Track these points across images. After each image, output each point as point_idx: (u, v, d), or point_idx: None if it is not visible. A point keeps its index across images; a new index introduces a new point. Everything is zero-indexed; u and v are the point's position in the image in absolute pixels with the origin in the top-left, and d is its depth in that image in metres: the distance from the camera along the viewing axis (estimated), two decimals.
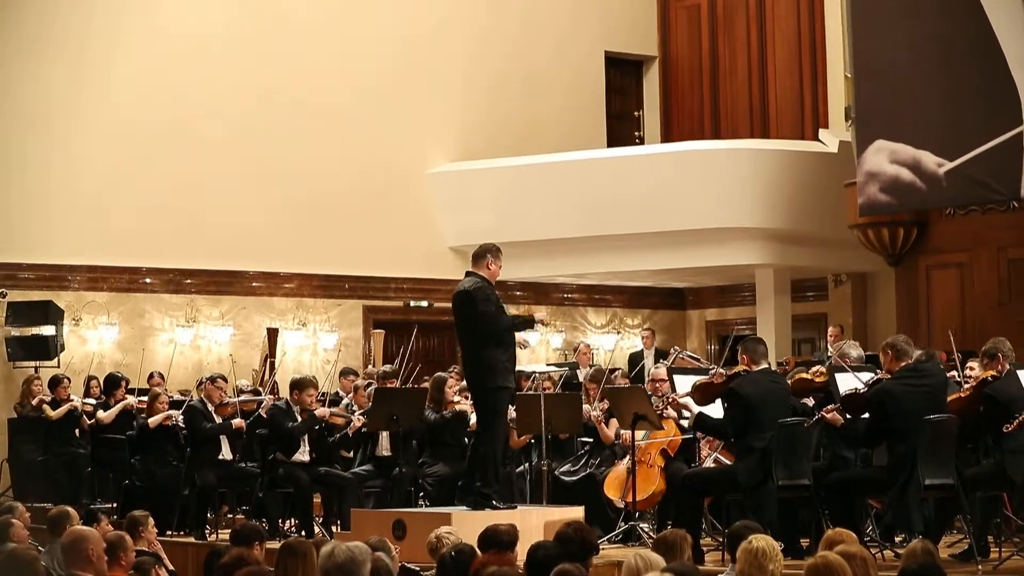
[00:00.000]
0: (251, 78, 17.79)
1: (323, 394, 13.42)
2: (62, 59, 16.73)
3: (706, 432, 10.58)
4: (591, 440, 11.91)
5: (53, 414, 14.76)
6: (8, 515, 8.54)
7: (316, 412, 12.17)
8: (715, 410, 9.99)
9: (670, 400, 10.49)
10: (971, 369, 10.40)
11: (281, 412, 12.17)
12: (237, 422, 12.44)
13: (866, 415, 9.28)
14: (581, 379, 15.09)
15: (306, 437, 12.20)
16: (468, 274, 10.34)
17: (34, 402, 15.04)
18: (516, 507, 10.49)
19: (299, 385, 12.34)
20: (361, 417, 12.49)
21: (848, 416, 9.44)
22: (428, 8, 19.13)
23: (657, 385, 11.24)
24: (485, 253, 10.29)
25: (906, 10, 15.78)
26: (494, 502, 10.14)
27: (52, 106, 16.69)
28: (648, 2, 21.01)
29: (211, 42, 17.61)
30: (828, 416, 9.47)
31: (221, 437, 12.51)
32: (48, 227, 16.59)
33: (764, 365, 9.70)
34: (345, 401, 13.55)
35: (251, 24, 17.92)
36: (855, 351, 10.41)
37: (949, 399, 9.47)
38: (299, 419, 12.13)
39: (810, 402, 10.12)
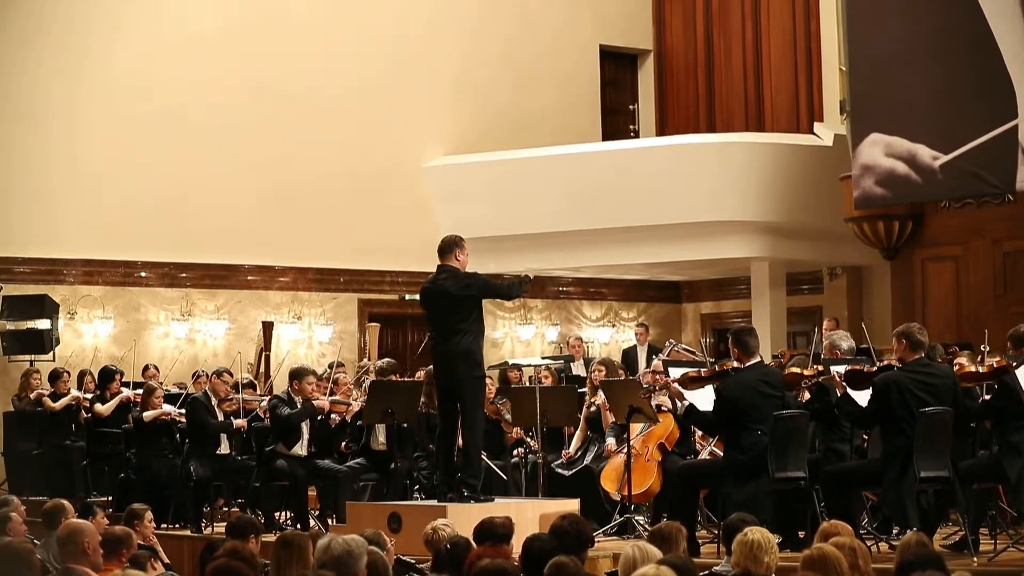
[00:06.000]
0: (246, 73, 17.76)
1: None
2: (58, 54, 16.70)
3: (693, 425, 10.55)
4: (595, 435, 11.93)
5: (55, 405, 14.76)
6: (5, 508, 8.52)
7: (316, 403, 12.18)
8: (704, 396, 9.98)
9: (662, 384, 10.45)
10: (959, 367, 10.33)
11: (282, 402, 12.18)
12: (239, 423, 12.47)
13: (865, 392, 9.25)
14: (575, 372, 15.08)
15: (305, 429, 12.24)
16: (440, 268, 10.33)
17: (33, 395, 15.04)
18: (493, 499, 10.42)
19: (298, 374, 12.37)
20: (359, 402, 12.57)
21: (848, 389, 9.43)
22: (423, 2, 19.11)
23: (657, 377, 11.23)
24: (451, 245, 10.32)
25: (901, 3, 15.80)
26: (473, 495, 10.11)
27: (48, 101, 16.66)
28: None
29: (207, 37, 17.57)
30: (834, 381, 9.41)
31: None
32: (43, 221, 16.57)
33: (756, 359, 9.66)
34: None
35: (247, 18, 17.89)
36: (846, 343, 10.36)
37: (962, 371, 9.51)
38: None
39: (803, 396, 10.06)
